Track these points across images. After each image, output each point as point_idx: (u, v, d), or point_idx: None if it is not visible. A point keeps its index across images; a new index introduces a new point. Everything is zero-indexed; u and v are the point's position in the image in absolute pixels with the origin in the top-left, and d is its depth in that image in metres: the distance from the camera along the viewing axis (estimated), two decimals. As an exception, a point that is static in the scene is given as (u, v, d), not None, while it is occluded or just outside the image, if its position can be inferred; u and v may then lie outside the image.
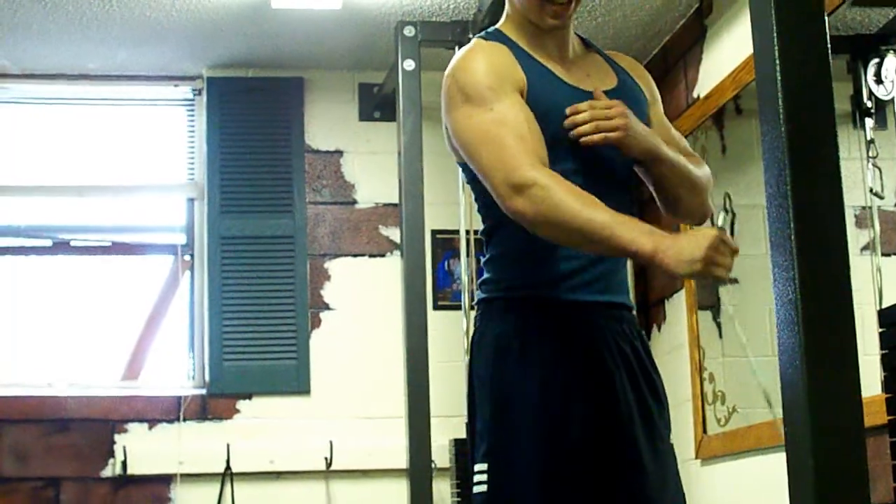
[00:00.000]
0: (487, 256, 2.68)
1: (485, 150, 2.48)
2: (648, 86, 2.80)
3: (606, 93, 2.62)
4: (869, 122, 4.09)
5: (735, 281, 4.35)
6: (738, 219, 4.68)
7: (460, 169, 2.71)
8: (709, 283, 2.49)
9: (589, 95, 2.60)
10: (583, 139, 2.51)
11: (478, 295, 2.67)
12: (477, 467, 2.53)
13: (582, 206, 2.37)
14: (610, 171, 2.61)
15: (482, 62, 2.57)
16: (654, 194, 2.72)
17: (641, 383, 2.59)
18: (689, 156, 2.71)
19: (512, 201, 2.42)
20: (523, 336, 2.56)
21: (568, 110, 2.50)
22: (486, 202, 2.60)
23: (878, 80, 4.03)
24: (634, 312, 2.70)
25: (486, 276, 2.67)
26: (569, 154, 2.55)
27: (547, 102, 2.57)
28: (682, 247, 2.30)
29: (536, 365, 2.53)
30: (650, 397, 2.59)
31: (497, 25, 2.72)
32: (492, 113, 2.49)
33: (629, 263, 2.71)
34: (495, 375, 2.57)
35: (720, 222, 4.56)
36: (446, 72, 2.63)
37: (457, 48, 5.17)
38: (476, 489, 2.52)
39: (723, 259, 2.31)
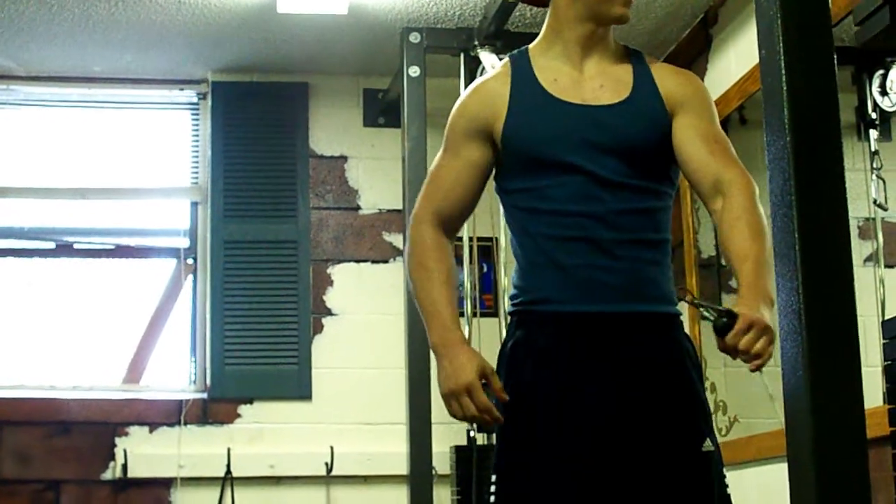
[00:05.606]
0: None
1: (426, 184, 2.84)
2: (678, 95, 2.68)
3: (604, 107, 2.65)
4: (873, 133, 4.09)
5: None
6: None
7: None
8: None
9: (580, 109, 2.64)
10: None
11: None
12: None
13: (421, 278, 2.67)
14: (599, 181, 2.61)
15: (463, 103, 2.78)
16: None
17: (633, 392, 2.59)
18: (729, 164, 2.59)
19: (408, 229, 2.77)
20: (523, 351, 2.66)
21: (726, 343, 2.38)
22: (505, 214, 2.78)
23: (883, 92, 4.03)
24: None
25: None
26: (548, 173, 2.64)
27: (528, 124, 2.66)
28: (447, 372, 2.55)
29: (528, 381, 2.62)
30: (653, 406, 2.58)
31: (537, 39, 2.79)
32: (443, 159, 2.81)
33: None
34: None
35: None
36: None
37: (462, 55, 5.18)
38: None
39: (466, 405, 2.48)
